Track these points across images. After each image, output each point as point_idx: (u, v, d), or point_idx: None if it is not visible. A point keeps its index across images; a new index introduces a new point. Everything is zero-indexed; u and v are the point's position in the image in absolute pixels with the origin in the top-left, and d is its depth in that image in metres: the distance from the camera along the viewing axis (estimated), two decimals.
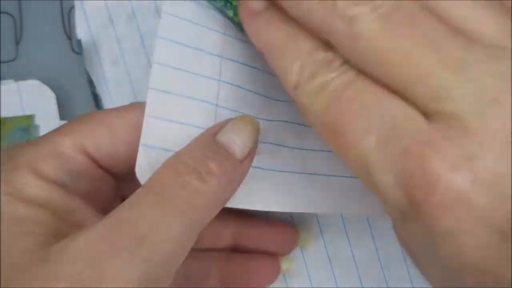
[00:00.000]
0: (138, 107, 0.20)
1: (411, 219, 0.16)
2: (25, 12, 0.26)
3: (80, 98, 0.26)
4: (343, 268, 0.27)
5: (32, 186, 0.18)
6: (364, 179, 0.17)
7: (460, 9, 0.17)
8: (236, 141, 0.19)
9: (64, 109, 0.26)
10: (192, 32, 0.20)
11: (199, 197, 0.18)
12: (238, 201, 0.20)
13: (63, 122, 0.25)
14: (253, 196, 0.21)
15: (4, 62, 0.26)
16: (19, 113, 0.25)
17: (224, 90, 0.21)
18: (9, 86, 0.25)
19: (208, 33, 0.21)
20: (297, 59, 0.19)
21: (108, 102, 0.26)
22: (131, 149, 0.20)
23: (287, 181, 0.22)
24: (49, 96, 0.26)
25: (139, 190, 0.18)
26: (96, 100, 0.26)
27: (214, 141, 0.19)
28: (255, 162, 0.20)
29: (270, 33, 0.19)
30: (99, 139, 0.20)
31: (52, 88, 0.25)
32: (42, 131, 0.25)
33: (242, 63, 0.22)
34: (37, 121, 0.25)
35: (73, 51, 0.26)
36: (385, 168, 0.16)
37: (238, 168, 0.19)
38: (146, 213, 0.17)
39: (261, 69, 0.22)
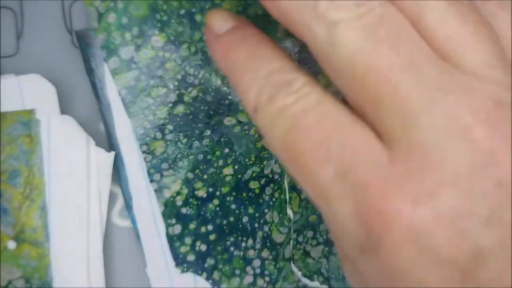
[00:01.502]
0: None
1: (370, 253, 0.16)
2: (26, 7, 0.26)
3: (81, 93, 0.26)
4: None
5: None
6: (324, 209, 0.17)
7: (447, 28, 0.16)
8: None
9: (65, 103, 0.26)
10: None
11: None
12: None
13: (64, 116, 0.25)
14: None
15: (4, 56, 0.26)
16: (19, 107, 0.25)
17: None
18: (10, 80, 0.25)
19: None
20: (255, 81, 0.18)
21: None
22: None
23: None
24: (50, 90, 0.26)
25: None
26: (95, 88, 0.26)
27: None
28: None
29: (231, 54, 0.19)
30: None
31: (53, 82, 0.25)
32: (43, 126, 0.25)
33: None
34: (38, 115, 0.25)
35: (74, 45, 0.26)
36: (343, 200, 0.16)
37: None
38: None
39: None
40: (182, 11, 0.24)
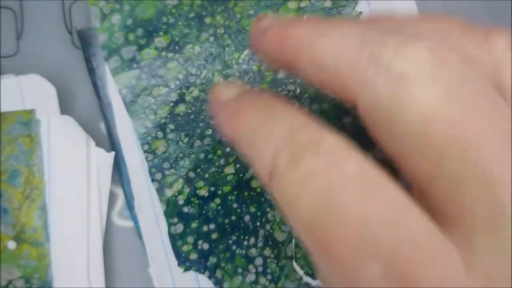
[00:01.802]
0: None
1: None
2: (26, 7, 0.26)
3: (81, 93, 0.26)
4: None
5: None
6: None
7: None
8: None
9: (65, 104, 0.26)
10: None
11: None
12: None
13: (64, 116, 0.25)
14: None
15: (4, 57, 0.26)
16: (19, 107, 0.25)
17: None
18: (10, 80, 0.25)
19: None
20: (271, 143, 0.14)
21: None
22: None
23: None
24: (50, 91, 0.26)
25: None
26: (96, 87, 0.26)
27: None
28: None
29: (238, 118, 0.16)
30: None
31: (53, 82, 0.25)
32: (43, 126, 0.25)
33: None
34: (38, 115, 0.25)
35: (74, 45, 0.26)
36: None
37: None
38: None
39: None
40: (192, 15, 0.25)
